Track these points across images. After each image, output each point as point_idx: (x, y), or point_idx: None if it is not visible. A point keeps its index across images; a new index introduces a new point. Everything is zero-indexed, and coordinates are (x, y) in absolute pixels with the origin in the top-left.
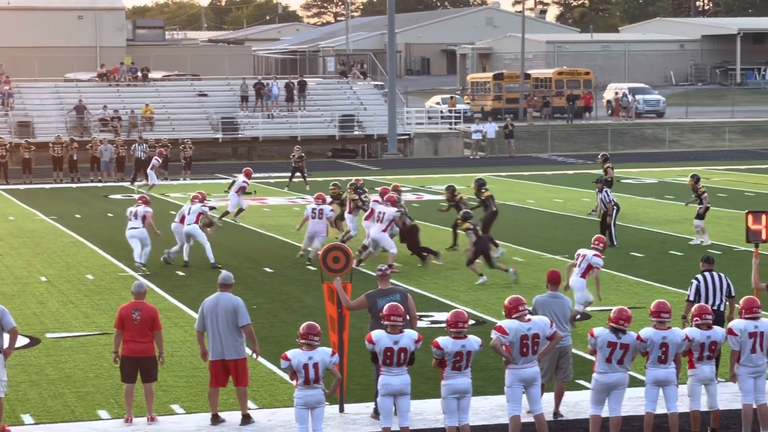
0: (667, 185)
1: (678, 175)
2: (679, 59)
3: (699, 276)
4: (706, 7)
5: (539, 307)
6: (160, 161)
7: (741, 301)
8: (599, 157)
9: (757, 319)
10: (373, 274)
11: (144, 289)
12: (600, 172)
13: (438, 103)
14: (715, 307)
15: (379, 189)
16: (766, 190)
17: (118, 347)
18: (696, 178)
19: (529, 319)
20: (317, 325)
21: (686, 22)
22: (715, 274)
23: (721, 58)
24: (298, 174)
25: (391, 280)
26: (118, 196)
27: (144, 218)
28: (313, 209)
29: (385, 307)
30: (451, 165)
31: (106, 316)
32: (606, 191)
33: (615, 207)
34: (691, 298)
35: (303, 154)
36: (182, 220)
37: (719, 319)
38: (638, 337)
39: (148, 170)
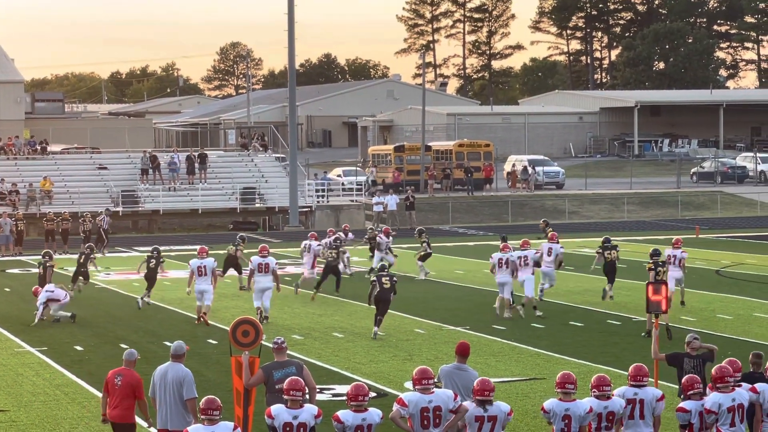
0: (566, 256)
1: (578, 246)
2: (577, 131)
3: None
4: (604, 80)
5: (444, 377)
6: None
7: (630, 368)
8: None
9: (641, 387)
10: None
11: (134, 358)
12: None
13: (339, 176)
14: None
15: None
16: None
17: (105, 410)
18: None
19: (432, 392)
20: (217, 399)
21: (585, 94)
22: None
23: (619, 130)
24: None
25: (289, 351)
26: (16, 271)
27: None
28: (259, 263)
29: (286, 381)
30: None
31: (1, 393)
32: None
33: None
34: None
35: None
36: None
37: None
38: (542, 408)
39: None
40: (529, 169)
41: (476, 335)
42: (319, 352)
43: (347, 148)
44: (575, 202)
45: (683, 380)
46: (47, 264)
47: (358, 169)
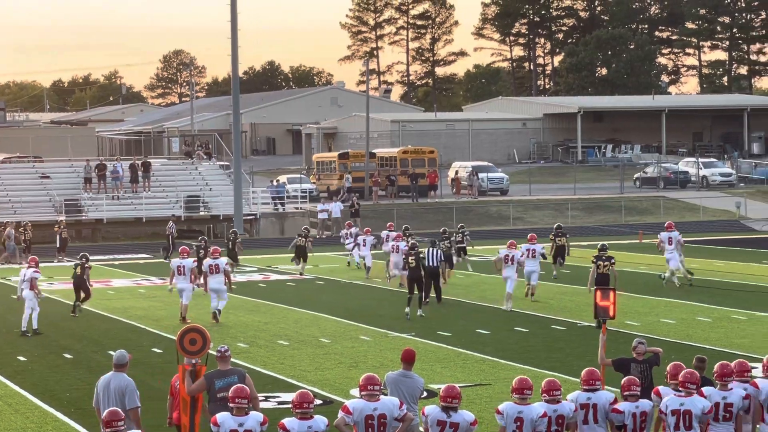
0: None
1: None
2: (521, 137)
3: None
4: (547, 87)
5: (390, 384)
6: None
7: (582, 373)
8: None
9: (594, 391)
10: None
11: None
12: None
13: (284, 183)
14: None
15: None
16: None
17: (170, 413)
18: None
19: (378, 399)
20: (119, 411)
21: (528, 101)
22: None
23: (563, 136)
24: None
25: (234, 359)
26: None
27: None
28: (210, 265)
29: (231, 389)
30: None
31: None
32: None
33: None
34: None
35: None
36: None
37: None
38: (497, 410)
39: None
40: (473, 176)
41: (422, 342)
42: (265, 360)
43: (291, 156)
44: (519, 208)
45: (622, 381)
46: (85, 265)
47: (302, 176)
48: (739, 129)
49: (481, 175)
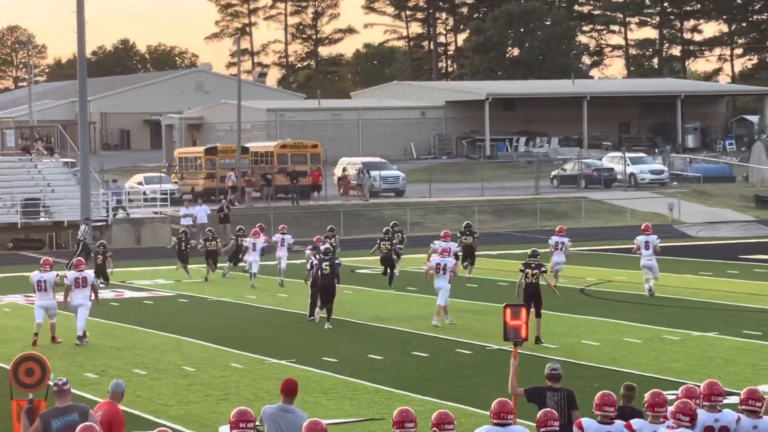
0: (408, 276)
1: (422, 263)
2: (420, 129)
3: None
4: (450, 70)
5: (266, 420)
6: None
7: (492, 405)
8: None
9: (506, 425)
10: None
11: (120, 390)
12: None
13: (140, 183)
14: None
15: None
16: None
17: None
18: None
19: None
20: None
21: (428, 86)
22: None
23: (468, 127)
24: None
25: (80, 393)
26: None
27: None
28: (76, 278)
29: (78, 428)
30: (156, 255)
31: None
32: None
33: None
34: None
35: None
36: None
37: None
38: None
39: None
40: (364, 174)
41: (304, 369)
42: None
43: (149, 151)
44: (418, 212)
45: (538, 415)
46: None
47: (162, 175)
48: (672, 119)
49: (372, 173)
